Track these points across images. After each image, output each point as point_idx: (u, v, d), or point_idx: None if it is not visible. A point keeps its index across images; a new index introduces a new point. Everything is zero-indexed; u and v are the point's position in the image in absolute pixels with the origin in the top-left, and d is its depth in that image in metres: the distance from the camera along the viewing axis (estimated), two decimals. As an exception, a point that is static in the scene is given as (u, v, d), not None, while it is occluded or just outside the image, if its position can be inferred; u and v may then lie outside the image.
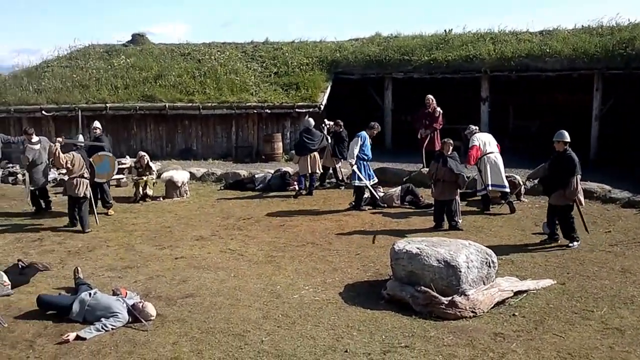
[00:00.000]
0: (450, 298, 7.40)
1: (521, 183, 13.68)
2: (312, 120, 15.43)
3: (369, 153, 13.50)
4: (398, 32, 23.75)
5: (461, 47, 20.78)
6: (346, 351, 6.48)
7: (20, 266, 9.19)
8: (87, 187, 11.95)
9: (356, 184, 13.40)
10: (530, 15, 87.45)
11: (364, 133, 13.51)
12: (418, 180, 15.27)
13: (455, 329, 7.02)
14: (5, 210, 13.73)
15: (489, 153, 12.68)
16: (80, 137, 12.61)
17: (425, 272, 7.63)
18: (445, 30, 22.66)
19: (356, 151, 13.30)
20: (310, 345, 6.64)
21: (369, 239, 10.96)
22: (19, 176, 17.36)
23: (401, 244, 8.19)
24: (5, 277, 8.54)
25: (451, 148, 11.66)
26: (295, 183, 15.29)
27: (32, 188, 13.18)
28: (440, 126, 16.16)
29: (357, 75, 21.62)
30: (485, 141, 12.81)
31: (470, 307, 7.38)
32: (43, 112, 19.63)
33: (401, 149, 19.39)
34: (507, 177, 12.94)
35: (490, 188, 12.60)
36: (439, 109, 16.11)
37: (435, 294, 7.43)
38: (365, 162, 13.43)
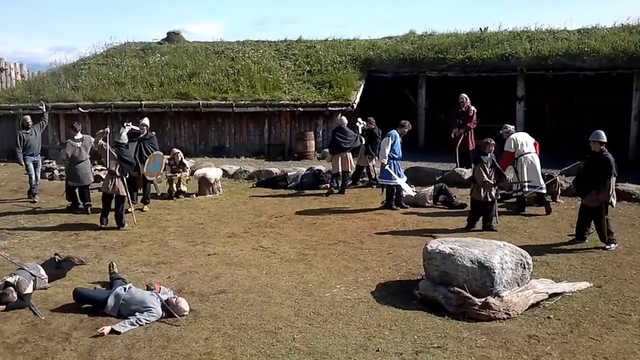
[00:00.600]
0: (483, 299, 7.31)
1: (559, 181, 13.46)
2: (345, 119, 15.39)
3: (399, 152, 13.42)
4: (432, 30, 23.69)
5: (497, 46, 20.59)
6: (378, 350, 6.45)
7: (57, 260, 9.34)
8: (121, 185, 11.86)
9: (387, 183, 13.36)
10: (567, 13, 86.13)
11: (394, 132, 13.43)
12: (451, 179, 15.15)
13: (489, 330, 6.93)
14: (42, 206, 13.96)
15: (526, 153, 12.47)
16: (124, 135, 12.39)
17: (458, 272, 7.56)
18: (480, 29, 22.51)
19: (387, 150, 13.21)
20: (342, 344, 6.63)
21: (401, 238, 10.91)
22: (56, 171, 17.68)
23: (434, 243, 8.12)
24: (42, 271, 8.67)
25: (493, 149, 11.49)
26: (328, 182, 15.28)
27: (74, 184, 13.32)
28: (475, 125, 16.01)
29: (391, 73, 21.54)
30: (522, 141, 12.58)
31: (504, 309, 7.28)
32: (80, 109, 19.96)
33: (434, 148, 19.26)
34: (545, 173, 12.73)
35: (526, 189, 12.41)
36: (473, 107, 15.97)
37: (468, 294, 7.35)
38: (395, 161, 13.35)
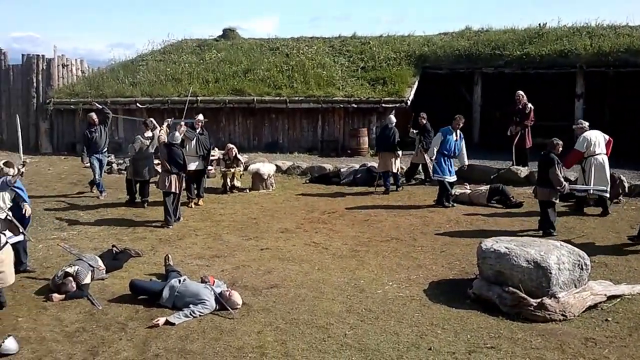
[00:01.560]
0: (539, 300, 7.18)
1: (625, 184, 13.05)
2: (393, 118, 15.29)
3: (452, 148, 13.27)
4: (489, 26, 23.31)
5: (555, 42, 20.12)
6: (430, 349, 6.40)
7: (114, 252, 9.58)
8: (177, 182, 11.86)
9: (438, 178, 13.29)
10: (629, 9, 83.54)
11: (446, 129, 13.36)
12: (507, 177, 14.92)
13: (544, 332, 6.81)
14: (101, 199, 14.29)
15: (596, 154, 11.96)
16: (177, 135, 12.20)
17: (513, 272, 7.44)
18: (539, 24, 22.04)
19: (436, 147, 13.25)
20: (393, 341, 6.60)
21: (454, 236, 10.81)
22: (114, 165, 18.09)
23: (489, 242, 8.01)
24: (100, 262, 8.91)
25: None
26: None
27: (135, 179, 13.46)
28: (532, 123, 15.70)
29: (446, 70, 21.28)
30: (595, 141, 12.03)
31: (560, 310, 7.14)
32: (137, 104, 20.35)
33: (489, 146, 18.93)
34: (612, 174, 12.33)
35: (591, 192, 12.05)
36: (529, 105, 15.67)
37: (523, 295, 7.23)
38: (446, 158, 13.24)
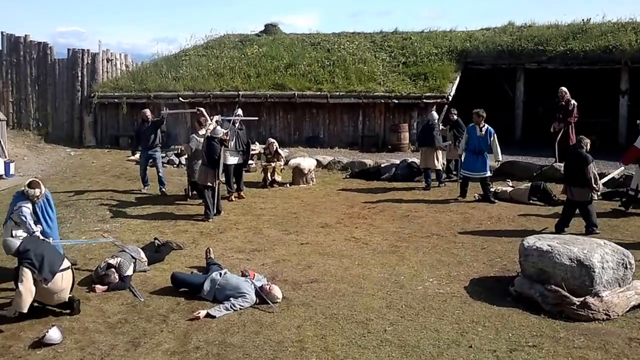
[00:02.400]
0: (582, 299, 7.09)
1: None
2: (435, 115, 15.22)
3: (476, 144, 13.22)
4: (532, 21, 22.92)
5: (600, 37, 19.71)
6: (471, 346, 6.37)
7: (156, 244, 9.73)
8: (213, 175, 11.91)
9: (462, 174, 13.52)
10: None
11: (471, 125, 13.46)
12: (549, 175, 14.72)
13: (587, 331, 6.71)
14: (144, 192, 14.52)
15: None
16: (219, 129, 12.26)
17: (556, 270, 7.35)
18: (582, 20, 21.64)
19: (463, 143, 13.53)
20: (433, 338, 6.59)
21: (495, 233, 10.70)
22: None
23: (531, 240, 7.93)
24: (142, 254, 9.06)
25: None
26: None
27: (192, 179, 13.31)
28: (575, 119, 15.45)
29: (488, 65, 21.05)
30: None
31: (603, 310, 7.03)
32: (180, 98, 20.60)
33: (532, 142, 18.70)
34: None
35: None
36: (573, 101, 15.43)
37: (566, 293, 7.14)
38: (471, 154, 13.25)
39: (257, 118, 14.08)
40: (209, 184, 11.87)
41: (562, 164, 15.00)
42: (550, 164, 15.44)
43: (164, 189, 14.33)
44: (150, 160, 14.59)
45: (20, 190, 8.41)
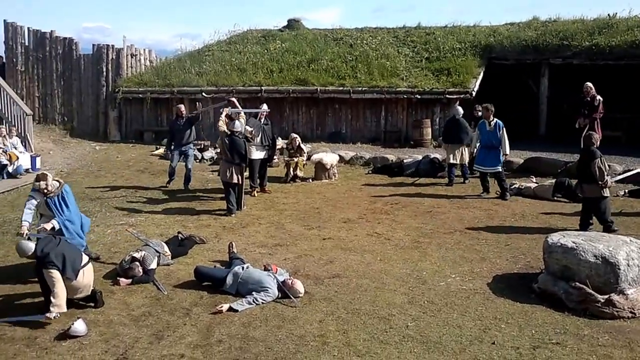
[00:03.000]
0: (607, 296, 7.02)
1: None
2: (460, 109, 15.11)
3: (486, 138, 13.17)
4: (557, 16, 22.65)
5: (626, 32, 19.40)
6: (493, 343, 6.34)
7: (179, 238, 9.80)
8: (238, 173, 11.84)
9: (475, 169, 13.67)
10: None
11: (481, 121, 13.49)
12: (574, 171, 14.43)
13: (612, 329, 6.65)
14: (168, 186, 14.60)
15: None
16: (237, 124, 12.07)
17: (580, 267, 7.28)
18: (608, 15, 21.30)
19: (474, 140, 13.72)
20: (456, 334, 6.57)
21: (519, 229, 10.63)
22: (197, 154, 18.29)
23: (555, 237, 7.86)
24: (166, 248, 9.14)
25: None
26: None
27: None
28: (601, 115, 15.27)
29: (512, 60, 20.82)
30: None
31: (629, 307, 6.96)
32: (203, 94, 20.70)
33: (557, 139, 18.50)
34: None
35: None
36: (598, 97, 15.24)
37: (591, 291, 7.08)
38: (483, 149, 13.25)
39: (267, 109, 13.81)
40: (235, 181, 11.85)
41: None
42: (575, 161, 15.24)
43: (189, 186, 14.37)
44: (182, 157, 14.60)
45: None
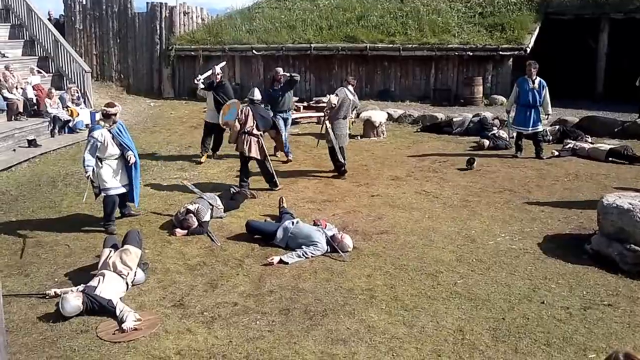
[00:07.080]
0: (662, 259, 6.87)
1: None
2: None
3: (528, 98, 12.70)
4: (620, -32, 21.69)
5: (697, -17, 18.52)
6: (543, 302, 6.29)
7: (231, 192, 9.98)
8: (256, 146, 10.52)
9: (513, 130, 13.25)
10: None
11: (521, 78, 12.98)
12: (631, 131, 14.17)
13: (666, 292, 6.52)
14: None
15: None
16: (257, 92, 10.90)
17: (636, 229, 7.10)
18: (676, -36, 20.31)
19: (511, 98, 13.28)
20: (504, 293, 6.53)
21: (572, 190, 10.42)
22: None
23: (611, 197, 7.66)
24: (219, 201, 9.33)
25: None
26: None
27: None
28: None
29: (570, 15, 20.09)
30: None
31: (685, 271, 6.81)
32: (254, 51, 20.69)
33: (615, 97, 17.92)
34: None
35: None
36: (661, 53, 14.67)
37: (646, 253, 6.93)
38: (525, 108, 12.78)
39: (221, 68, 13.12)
40: (255, 156, 10.57)
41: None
42: (633, 120, 14.80)
43: (290, 155, 13.01)
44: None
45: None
